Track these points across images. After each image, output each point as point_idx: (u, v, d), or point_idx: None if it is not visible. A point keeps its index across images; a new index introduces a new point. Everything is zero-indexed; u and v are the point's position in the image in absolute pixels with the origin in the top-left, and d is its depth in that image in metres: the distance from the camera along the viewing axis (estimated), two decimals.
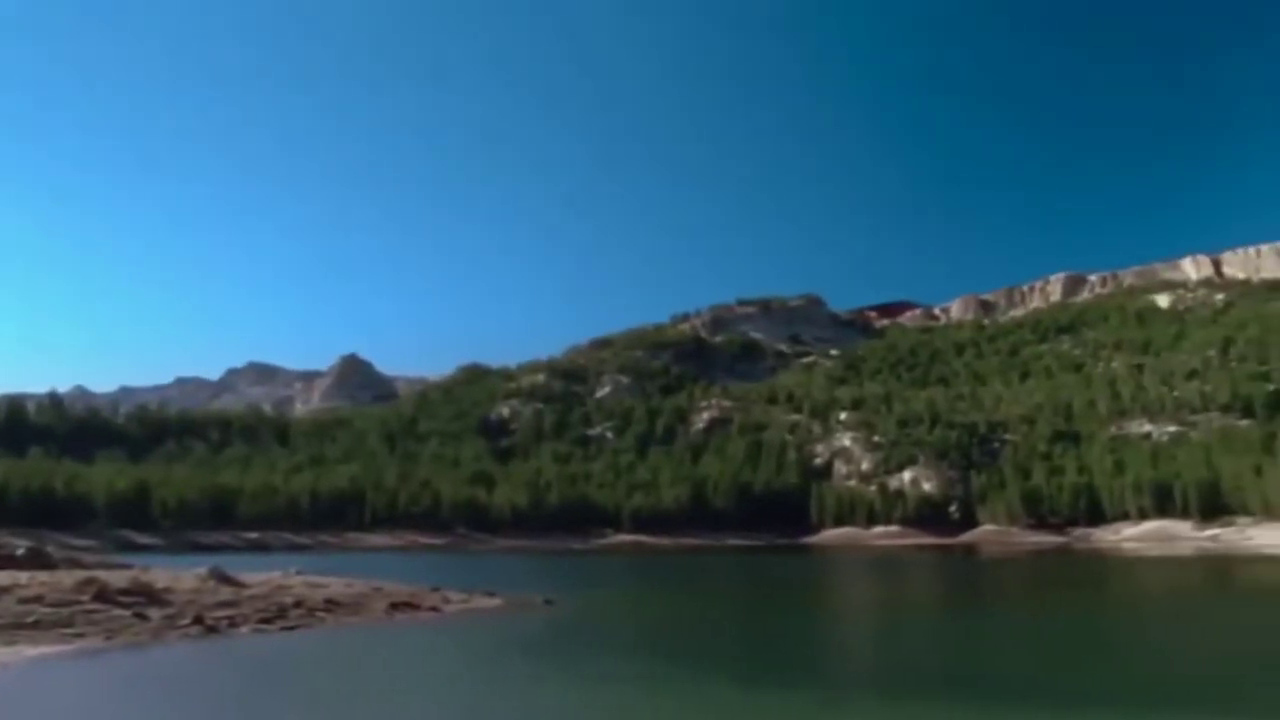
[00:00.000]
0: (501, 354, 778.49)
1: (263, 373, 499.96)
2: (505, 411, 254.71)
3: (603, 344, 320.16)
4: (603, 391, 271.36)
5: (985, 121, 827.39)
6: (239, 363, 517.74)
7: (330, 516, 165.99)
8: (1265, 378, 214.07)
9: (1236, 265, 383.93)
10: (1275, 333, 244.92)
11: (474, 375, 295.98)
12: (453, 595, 44.08)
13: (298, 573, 47.60)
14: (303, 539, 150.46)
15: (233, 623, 32.57)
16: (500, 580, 58.62)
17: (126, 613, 31.63)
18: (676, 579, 78.24)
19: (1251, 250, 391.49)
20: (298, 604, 37.07)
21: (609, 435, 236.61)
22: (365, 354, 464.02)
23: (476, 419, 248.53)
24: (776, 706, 20.84)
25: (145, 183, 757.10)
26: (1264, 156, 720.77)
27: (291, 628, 33.11)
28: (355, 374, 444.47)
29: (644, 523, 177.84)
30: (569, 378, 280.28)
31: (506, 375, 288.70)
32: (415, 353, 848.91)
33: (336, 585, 43.60)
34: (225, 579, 40.05)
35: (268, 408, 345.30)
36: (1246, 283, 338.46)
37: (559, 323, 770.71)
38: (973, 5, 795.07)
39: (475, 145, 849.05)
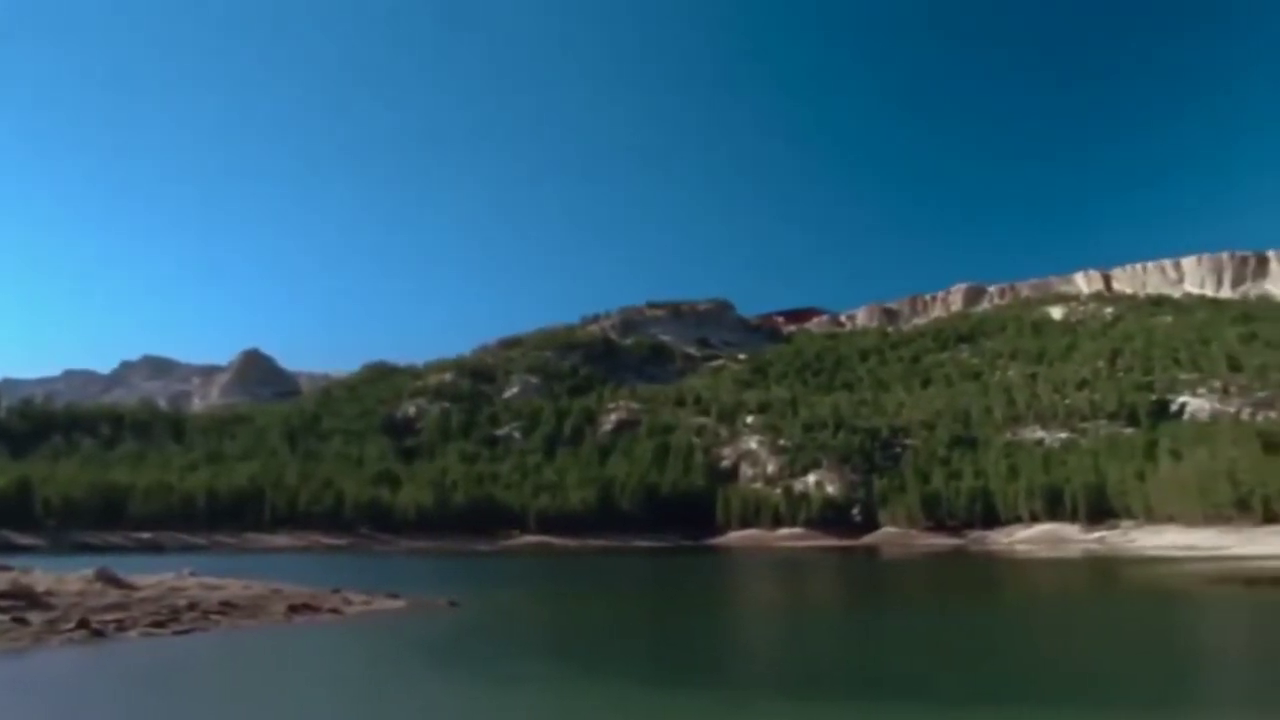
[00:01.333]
0: (409, 352, 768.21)
1: (158, 366, 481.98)
2: (411, 410, 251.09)
3: (512, 344, 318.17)
4: (511, 391, 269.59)
5: (894, 134, 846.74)
6: (133, 355, 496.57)
7: (228, 516, 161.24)
8: (1149, 388, 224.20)
9: (1125, 280, 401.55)
10: (1159, 345, 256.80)
11: (380, 373, 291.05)
12: (354, 597, 43.16)
13: (192, 574, 46.03)
14: (198, 539, 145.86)
15: (121, 626, 31.24)
16: (404, 581, 57.72)
17: (4, 617, 30.08)
18: (583, 580, 78.05)
19: (1139, 267, 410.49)
20: (191, 606, 35.80)
21: (517, 435, 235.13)
22: (267, 349, 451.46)
23: (382, 417, 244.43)
24: (682, 706, 20.83)
25: (35, 169, 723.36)
26: (1150, 177, 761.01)
27: (185, 631, 31.92)
28: (256, 369, 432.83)
29: (551, 524, 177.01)
30: (477, 377, 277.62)
31: (413, 374, 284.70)
32: (319, 349, 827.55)
33: (233, 587, 42.29)
34: (113, 581, 38.49)
35: (163, 403, 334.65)
36: (1133, 297, 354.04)
37: (468, 322, 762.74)
38: (889, 17, 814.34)
39: (384, 140, 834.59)
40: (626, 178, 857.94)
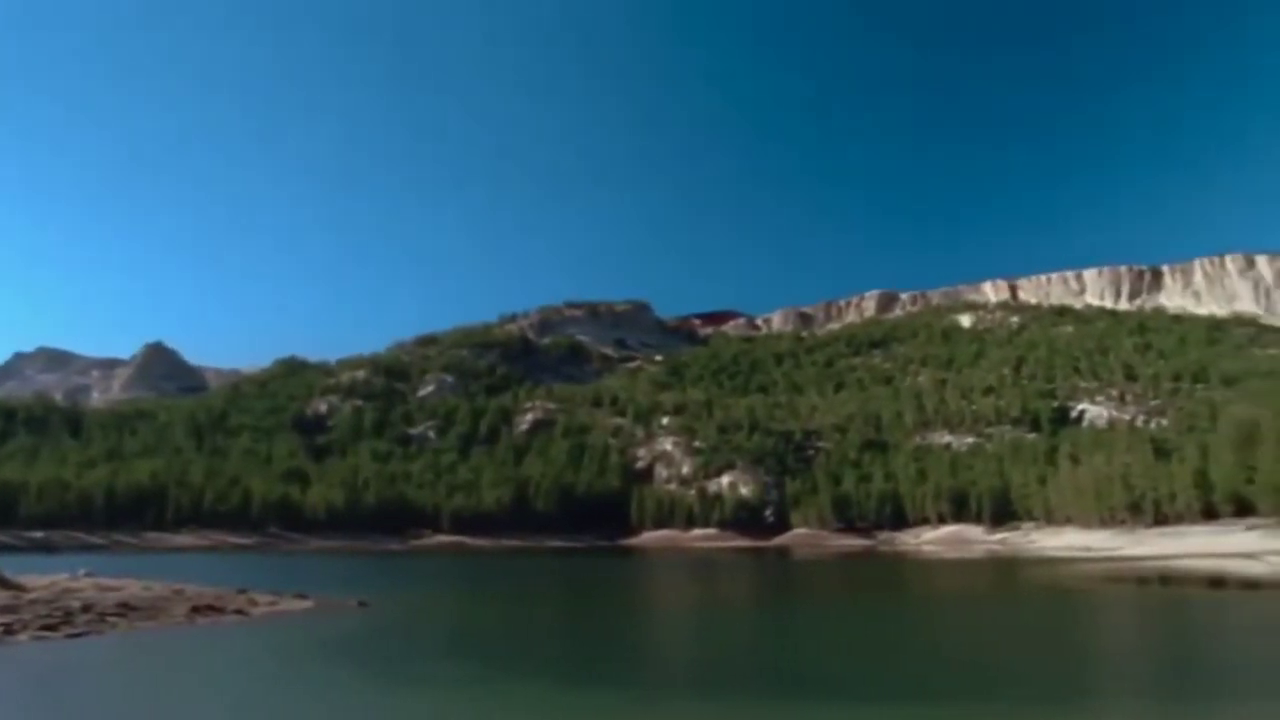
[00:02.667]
0: (322, 348, 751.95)
1: (55, 359, 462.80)
2: (323, 407, 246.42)
3: (428, 341, 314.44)
4: (426, 390, 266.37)
5: (811, 142, 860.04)
6: (28, 347, 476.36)
7: (128, 515, 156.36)
8: (1051, 395, 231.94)
9: (1030, 290, 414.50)
10: (1061, 354, 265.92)
11: (291, 369, 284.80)
12: (260, 597, 42.25)
13: (88, 574, 44.57)
14: (96, 539, 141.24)
15: (9, 630, 30.02)
16: (313, 582, 56.68)
17: None
18: (497, 580, 77.55)
19: (1043, 278, 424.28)
20: (86, 609, 34.62)
21: (431, 435, 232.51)
22: (172, 342, 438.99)
23: (292, 414, 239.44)
24: (594, 705, 20.87)
25: None
26: (1056, 194, 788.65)
27: (78, 634, 30.82)
28: (160, 363, 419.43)
29: (464, 524, 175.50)
30: (391, 375, 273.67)
31: (326, 370, 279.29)
32: (228, 343, 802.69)
33: (132, 588, 41.05)
34: (2, 582, 36.99)
35: (60, 396, 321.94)
36: (1038, 307, 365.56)
37: (384, 319, 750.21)
38: (814, 21, 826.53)
39: (303, 129, 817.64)
40: (548, 178, 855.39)
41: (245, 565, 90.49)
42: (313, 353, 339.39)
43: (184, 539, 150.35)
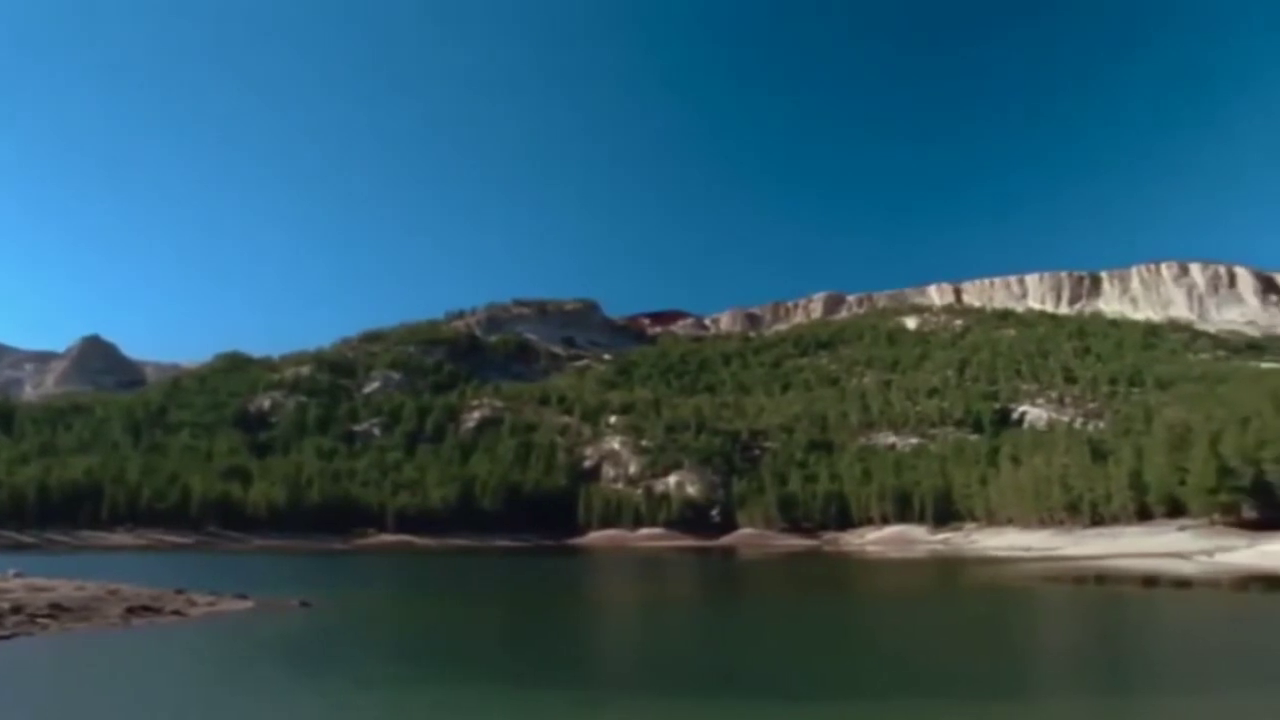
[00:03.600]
0: (265, 344, 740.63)
1: None
2: (266, 404, 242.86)
3: (374, 338, 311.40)
4: (372, 387, 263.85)
5: (757, 144, 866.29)
6: None
7: (62, 513, 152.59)
8: (994, 397, 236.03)
9: (974, 294, 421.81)
10: (1003, 356, 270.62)
11: (233, 364, 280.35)
12: (199, 598, 41.38)
13: (17, 574, 43.39)
14: (27, 537, 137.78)
15: None
16: (254, 581, 55.75)
17: None
18: (442, 580, 76.90)
19: (987, 281, 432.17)
20: (16, 609, 33.58)
21: (376, 432, 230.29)
22: (109, 336, 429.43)
23: (234, 410, 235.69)
24: (538, 706, 20.71)
25: None
26: (1000, 203, 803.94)
27: (6, 637, 29.87)
28: (97, 357, 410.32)
29: (410, 522, 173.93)
30: (337, 371, 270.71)
31: (269, 366, 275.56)
32: (168, 337, 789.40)
33: (64, 588, 39.96)
34: None
35: None
36: (981, 310, 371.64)
37: (330, 314, 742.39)
38: (759, 28, 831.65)
39: (248, 123, 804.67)
40: (498, 176, 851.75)
41: (184, 565, 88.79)
42: (256, 348, 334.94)
43: (120, 538, 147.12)
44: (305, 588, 52.87)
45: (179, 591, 42.32)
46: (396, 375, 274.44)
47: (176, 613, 37.57)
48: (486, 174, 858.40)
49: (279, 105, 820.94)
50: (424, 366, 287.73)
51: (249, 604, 41.94)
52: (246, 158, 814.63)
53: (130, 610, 36.21)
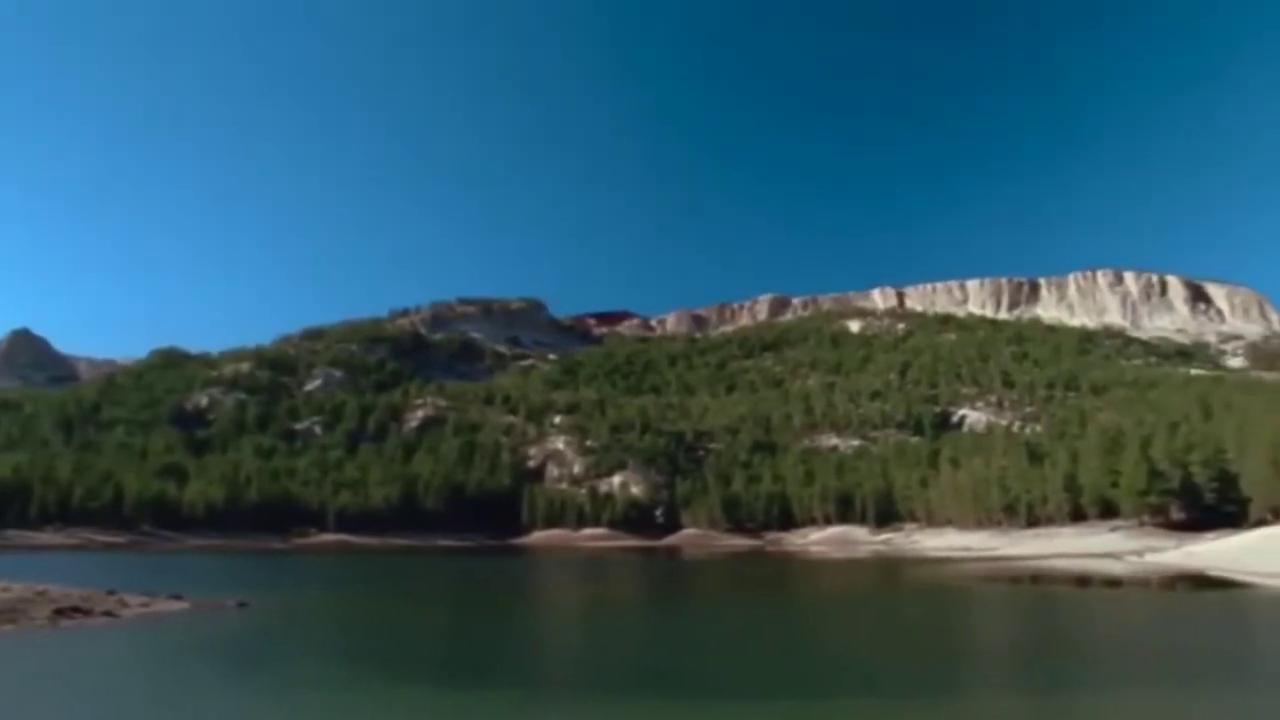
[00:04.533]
0: (203, 340, 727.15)
1: None
2: (204, 401, 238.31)
3: (316, 335, 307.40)
4: (313, 384, 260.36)
5: (702, 145, 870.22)
6: None
7: None
8: (934, 400, 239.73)
9: (916, 299, 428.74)
10: (944, 360, 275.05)
11: (170, 360, 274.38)
12: (131, 599, 40.46)
13: None
14: None
15: None
16: (189, 581, 54.75)
17: None
18: (383, 580, 76.01)
19: (929, 286, 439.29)
20: None
21: (318, 430, 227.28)
22: (40, 330, 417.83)
23: (170, 408, 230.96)
24: (477, 707, 20.55)
25: None
26: (938, 206, 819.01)
27: None
28: (27, 351, 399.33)
29: (351, 522, 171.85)
30: (277, 368, 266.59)
31: (207, 362, 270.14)
32: (102, 332, 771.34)
33: None
34: None
35: None
36: (923, 315, 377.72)
37: (271, 310, 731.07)
38: (704, 26, 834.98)
39: (192, 117, 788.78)
40: (444, 173, 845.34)
41: (117, 565, 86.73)
42: (194, 344, 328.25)
43: (49, 537, 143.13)
44: (243, 588, 52.03)
45: (110, 592, 41.35)
46: (339, 373, 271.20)
47: (108, 614, 36.68)
48: (433, 171, 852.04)
49: (227, 98, 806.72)
50: (367, 365, 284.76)
51: (184, 605, 41.10)
52: (188, 150, 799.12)
53: (59, 611, 35.27)
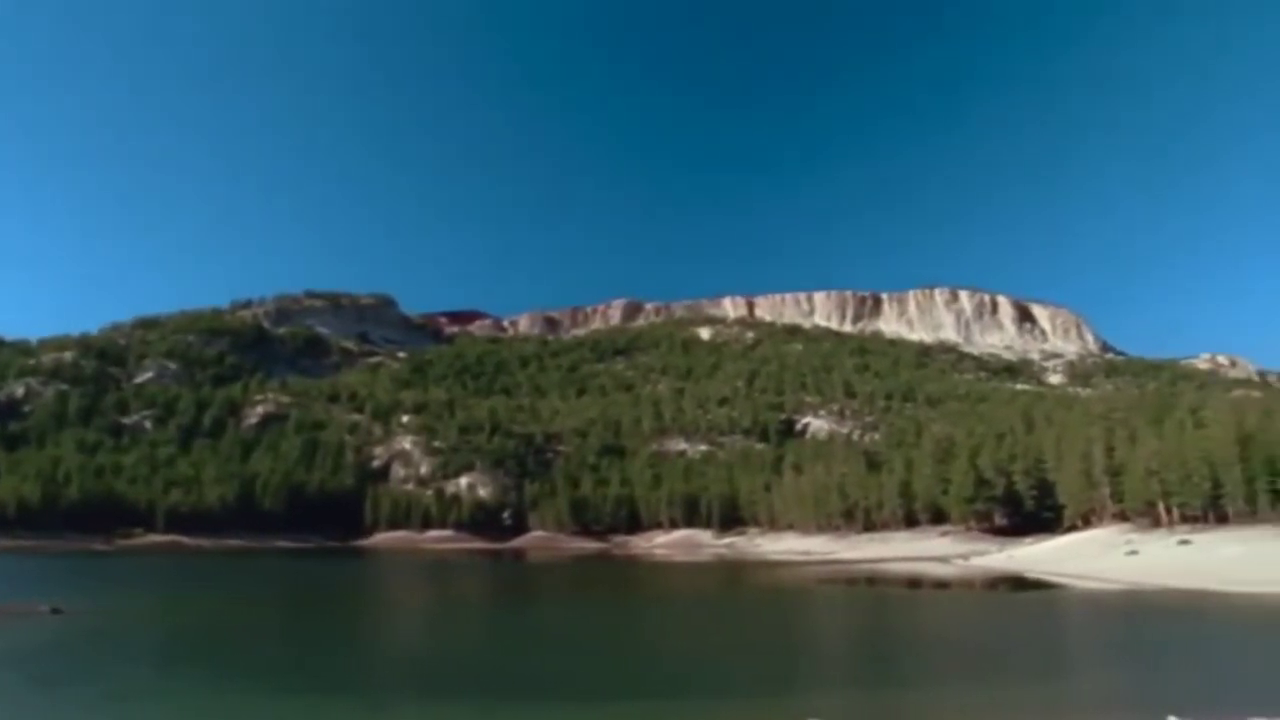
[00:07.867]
0: (21, 326, 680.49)
1: None
2: (20, 391, 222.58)
3: (149, 324, 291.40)
4: (144, 376, 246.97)
5: (560, 153, 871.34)
6: None
7: None
8: (780, 408, 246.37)
9: (766, 309, 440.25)
10: (790, 370, 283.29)
11: None
12: None
13: None
14: None
15: None
16: None
17: None
18: (216, 583, 72.96)
19: (778, 297, 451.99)
20: None
21: (148, 425, 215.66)
22: None
23: None
24: (314, 714, 20.05)
25: None
26: (791, 219, 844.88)
27: None
28: None
29: (182, 522, 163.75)
30: (104, 358, 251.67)
31: (24, 350, 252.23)
32: None
33: None
34: None
35: None
36: (772, 325, 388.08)
37: (101, 298, 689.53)
38: (573, 34, 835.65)
39: (25, 101, 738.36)
40: (294, 163, 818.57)
41: None
42: (9, 330, 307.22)
43: None
44: (59, 592, 49.16)
45: None
46: (173, 365, 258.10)
47: None
48: (283, 161, 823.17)
49: (62, 81, 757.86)
50: (204, 357, 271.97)
51: None
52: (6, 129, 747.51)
53: None
